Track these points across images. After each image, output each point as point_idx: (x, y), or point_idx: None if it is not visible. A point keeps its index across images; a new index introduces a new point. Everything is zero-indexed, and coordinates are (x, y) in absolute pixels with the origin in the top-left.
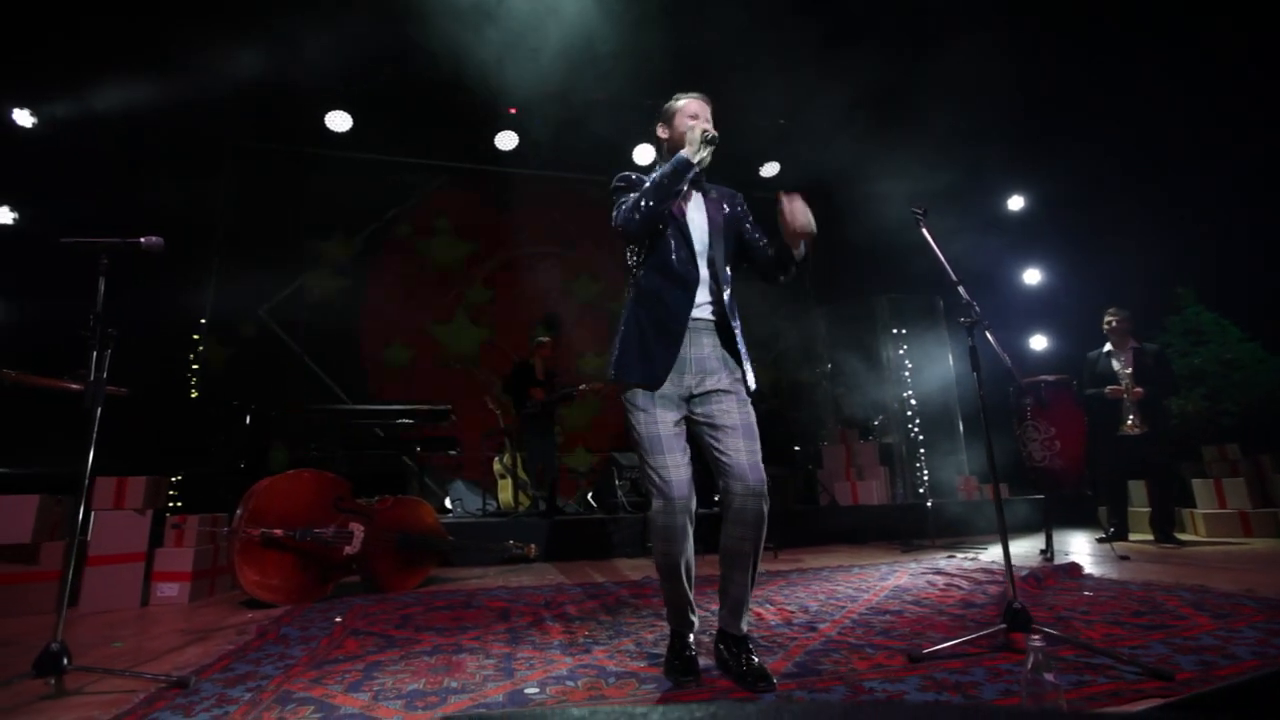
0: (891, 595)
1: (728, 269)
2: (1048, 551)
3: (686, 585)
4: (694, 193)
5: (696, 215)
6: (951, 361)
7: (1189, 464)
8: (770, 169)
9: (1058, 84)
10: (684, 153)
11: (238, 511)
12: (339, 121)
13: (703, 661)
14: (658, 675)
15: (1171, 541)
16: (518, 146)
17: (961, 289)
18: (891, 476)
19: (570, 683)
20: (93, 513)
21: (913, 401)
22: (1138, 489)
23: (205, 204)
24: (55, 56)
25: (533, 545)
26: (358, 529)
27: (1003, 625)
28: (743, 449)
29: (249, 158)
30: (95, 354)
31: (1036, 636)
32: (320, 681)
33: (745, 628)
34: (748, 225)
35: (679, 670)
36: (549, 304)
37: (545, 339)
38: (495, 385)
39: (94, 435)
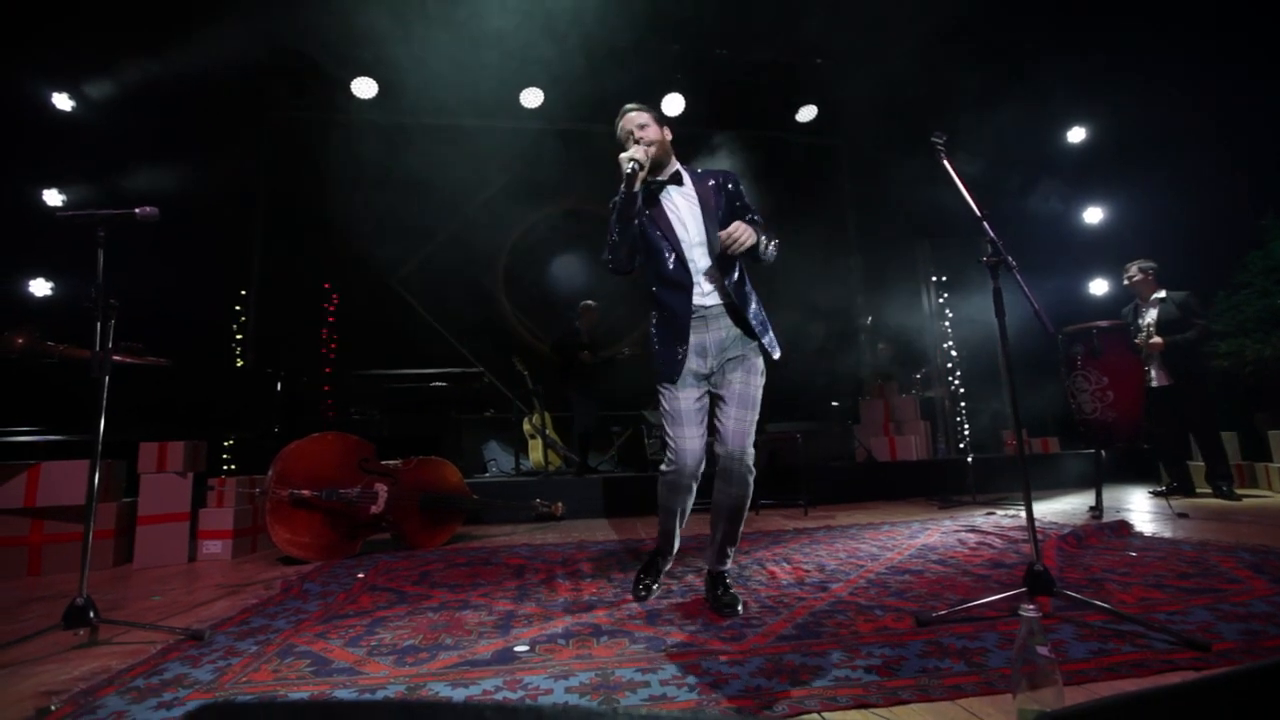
0: (916, 554)
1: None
2: (1097, 509)
3: (678, 524)
4: (679, 186)
5: (686, 209)
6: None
7: (1267, 414)
8: (808, 112)
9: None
10: (622, 190)
11: (269, 473)
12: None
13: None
14: (650, 635)
15: (1227, 497)
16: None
17: (986, 225)
18: (933, 431)
19: (562, 641)
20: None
21: (954, 353)
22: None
23: (239, 175)
24: (89, 39)
25: (560, 504)
26: (382, 489)
27: (1024, 589)
28: (733, 417)
29: (285, 126)
30: (99, 324)
31: (1030, 606)
32: (324, 636)
33: (726, 566)
34: (738, 206)
35: (637, 588)
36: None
37: (591, 303)
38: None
39: (103, 403)
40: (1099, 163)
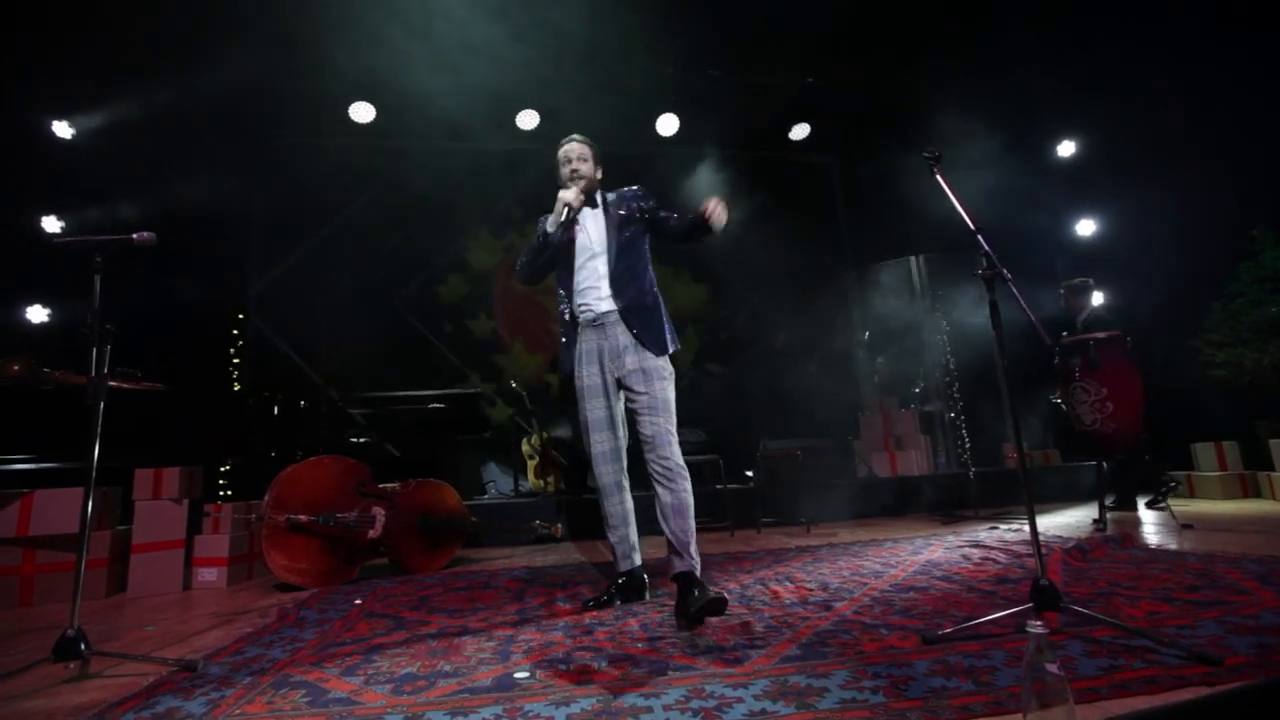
0: (920, 570)
1: (631, 263)
2: (1101, 521)
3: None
4: (593, 209)
5: (593, 227)
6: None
7: (1266, 423)
8: (800, 130)
9: (1098, 14)
10: (546, 223)
11: (265, 499)
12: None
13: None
14: (653, 658)
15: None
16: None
17: (981, 238)
18: (933, 446)
19: (563, 666)
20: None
21: (952, 366)
22: (1206, 451)
23: (245, 199)
24: (88, 67)
25: (559, 525)
26: (379, 513)
27: (1030, 604)
28: (655, 423)
29: (284, 150)
30: (95, 350)
31: (1038, 623)
32: (320, 665)
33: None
34: (651, 214)
35: (600, 599)
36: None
37: None
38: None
39: (98, 430)
40: (1090, 175)
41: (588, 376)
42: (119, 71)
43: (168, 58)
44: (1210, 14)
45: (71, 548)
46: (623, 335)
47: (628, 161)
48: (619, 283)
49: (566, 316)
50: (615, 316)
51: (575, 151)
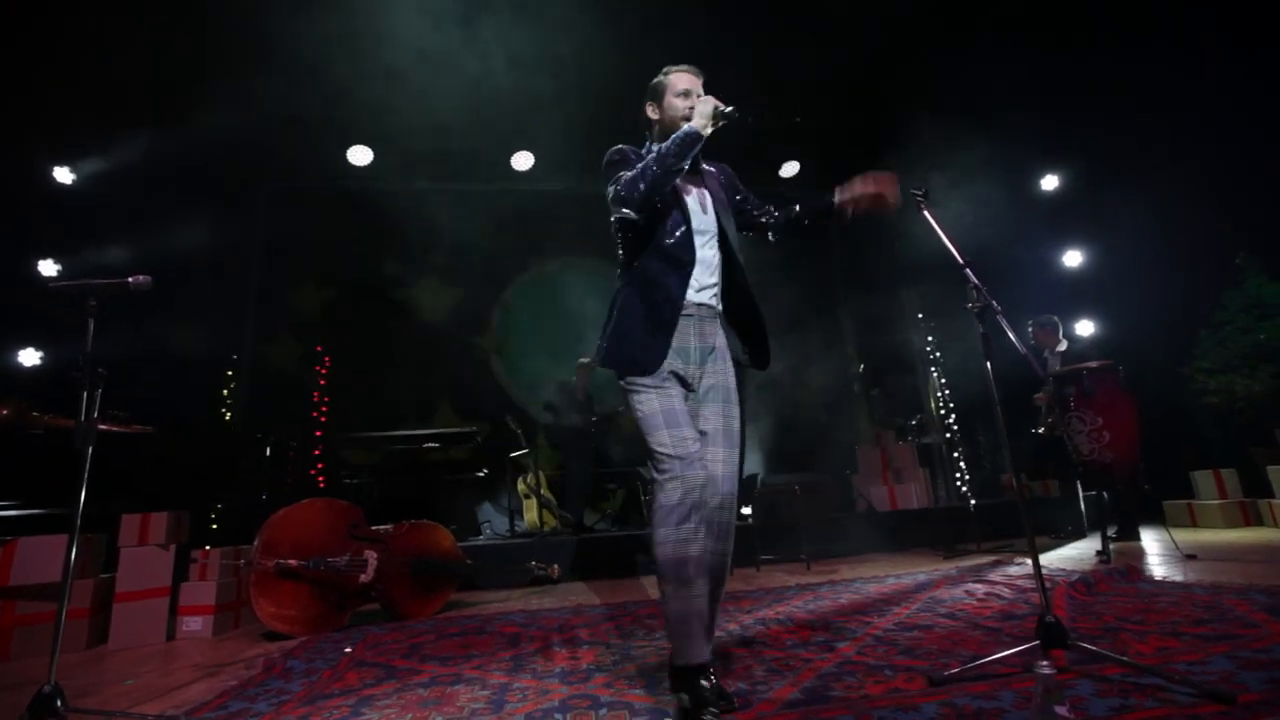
0: (924, 608)
1: (735, 248)
2: (1104, 553)
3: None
4: (694, 172)
5: (695, 193)
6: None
7: (1262, 450)
8: (790, 168)
9: (1081, 49)
10: (693, 124)
11: (254, 543)
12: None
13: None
14: (652, 705)
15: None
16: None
17: (969, 272)
18: (932, 478)
19: (559, 716)
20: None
21: (949, 398)
22: (1205, 480)
23: (239, 241)
24: (87, 113)
25: (555, 566)
26: (372, 556)
27: (1036, 642)
28: (721, 458)
29: (280, 193)
30: (85, 394)
31: (1045, 663)
32: (307, 718)
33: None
34: (740, 195)
35: (711, 703)
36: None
37: (586, 360)
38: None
39: (85, 475)
40: (1075, 207)
41: (671, 364)
42: (119, 117)
43: (166, 104)
44: (1192, 44)
45: (52, 597)
46: (712, 334)
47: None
48: (717, 267)
49: (642, 300)
50: (710, 312)
51: (692, 82)
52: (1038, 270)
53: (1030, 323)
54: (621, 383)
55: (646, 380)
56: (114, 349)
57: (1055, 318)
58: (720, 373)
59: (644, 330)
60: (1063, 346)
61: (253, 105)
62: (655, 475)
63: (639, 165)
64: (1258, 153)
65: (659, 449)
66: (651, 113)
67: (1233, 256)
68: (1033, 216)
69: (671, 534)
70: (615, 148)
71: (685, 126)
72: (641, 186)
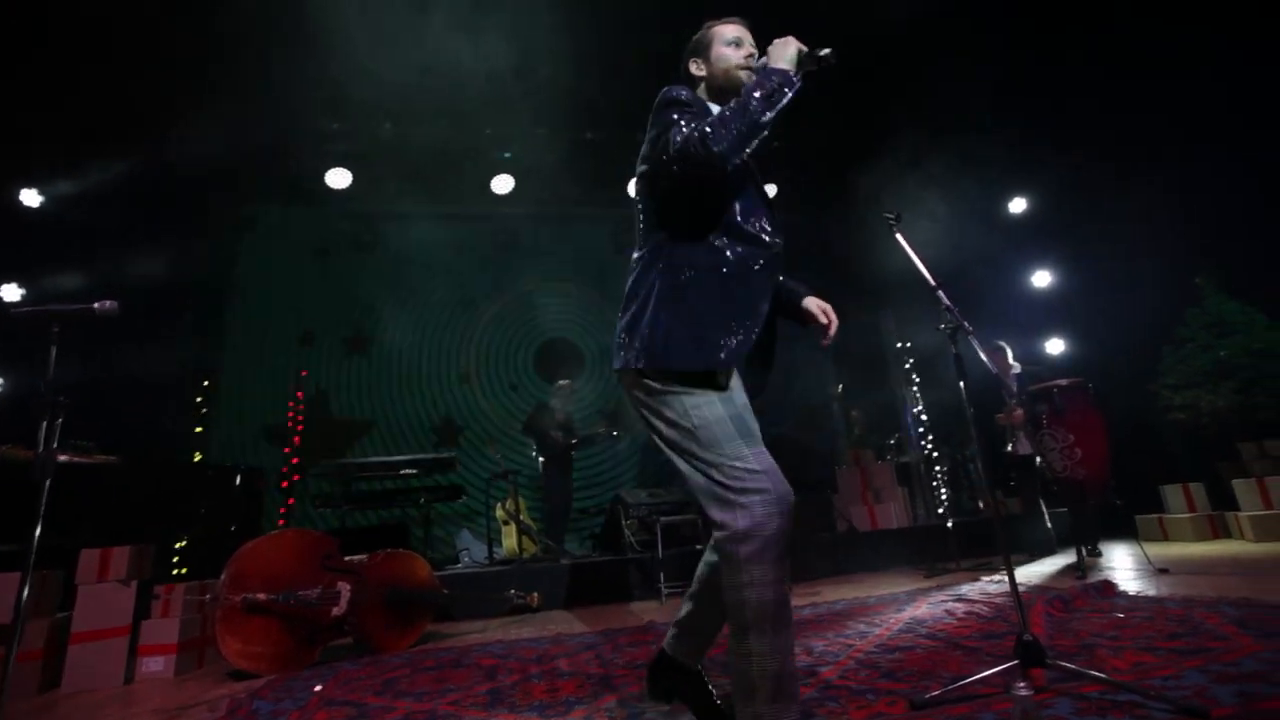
0: (905, 629)
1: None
2: (1079, 569)
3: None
4: None
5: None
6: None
7: (1227, 464)
8: (768, 190)
9: (1045, 74)
10: (783, 65)
11: (221, 577)
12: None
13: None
14: None
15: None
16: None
17: (941, 294)
18: (911, 497)
19: None
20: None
21: (924, 417)
22: (1174, 494)
23: (209, 268)
24: (58, 136)
25: (535, 594)
26: (345, 588)
27: (1015, 661)
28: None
29: (256, 217)
30: (46, 423)
31: (1022, 684)
32: None
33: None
34: None
35: None
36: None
37: (565, 383)
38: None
39: (41, 509)
40: (1042, 230)
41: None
42: (89, 140)
43: (137, 128)
44: (1152, 68)
45: (3, 639)
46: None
47: (599, 221)
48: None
49: (730, 264)
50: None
51: (748, 35)
52: (1008, 290)
53: (983, 349)
54: (656, 387)
55: (701, 382)
56: (80, 375)
57: (1003, 343)
58: (739, 385)
59: (715, 320)
60: (1016, 369)
61: (221, 130)
62: (730, 497)
63: (720, 112)
64: (1216, 177)
65: (736, 463)
66: (696, 69)
67: (1193, 276)
68: (1001, 238)
69: (773, 572)
70: (672, 87)
71: (771, 68)
72: (736, 129)
